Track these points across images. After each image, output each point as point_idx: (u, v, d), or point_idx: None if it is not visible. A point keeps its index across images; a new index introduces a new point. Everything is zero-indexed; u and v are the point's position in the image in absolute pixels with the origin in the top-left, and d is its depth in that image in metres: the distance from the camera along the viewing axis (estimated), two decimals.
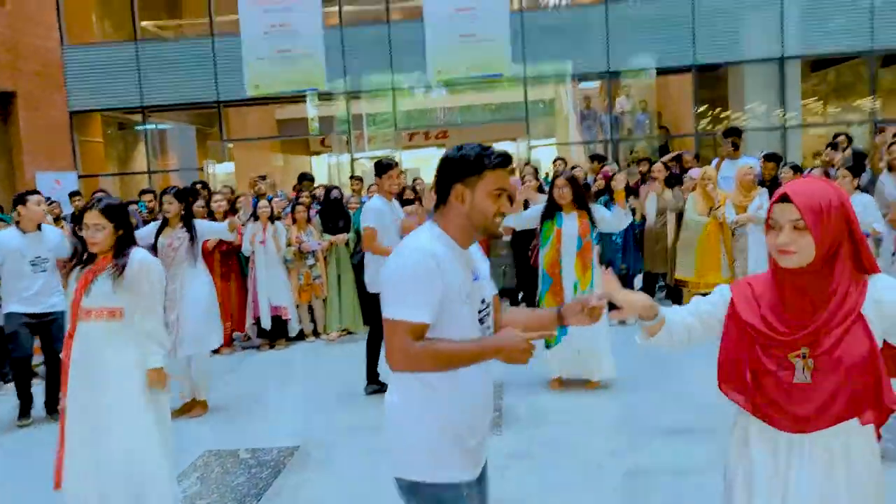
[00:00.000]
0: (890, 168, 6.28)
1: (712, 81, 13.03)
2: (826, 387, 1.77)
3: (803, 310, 1.80)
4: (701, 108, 12.50)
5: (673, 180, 7.75)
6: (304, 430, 4.98)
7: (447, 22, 11.07)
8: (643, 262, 7.67)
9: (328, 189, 8.17)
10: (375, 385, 5.62)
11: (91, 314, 3.19)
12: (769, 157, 7.48)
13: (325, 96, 12.56)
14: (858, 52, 11.72)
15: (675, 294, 7.86)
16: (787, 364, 1.81)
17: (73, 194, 8.79)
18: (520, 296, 8.31)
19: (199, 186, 8.30)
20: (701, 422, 4.49)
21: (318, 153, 17.07)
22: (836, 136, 8.09)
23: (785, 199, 1.77)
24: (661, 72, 13.21)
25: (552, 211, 5.33)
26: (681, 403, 4.87)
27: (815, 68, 14.01)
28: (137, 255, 3.26)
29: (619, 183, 7.38)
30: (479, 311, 2.01)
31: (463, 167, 1.96)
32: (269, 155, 16.19)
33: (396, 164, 5.50)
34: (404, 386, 1.97)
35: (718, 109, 13.57)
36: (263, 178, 8.57)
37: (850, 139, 8.00)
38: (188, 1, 15.13)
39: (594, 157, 9.23)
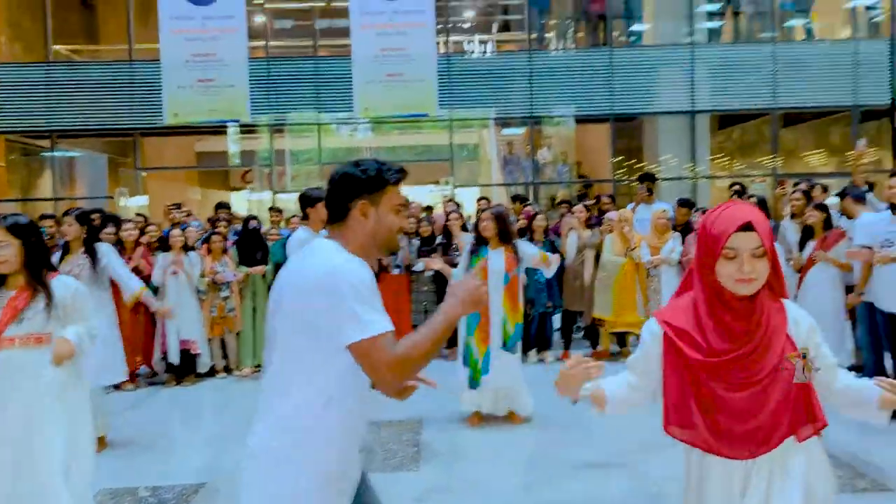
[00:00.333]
0: (792, 216, 6.64)
1: (629, 132, 13.58)
2: (772, 405, 1.81)
3: (743, 332, 1.83)
4: (617, 158, 12.96)
5: (591, 221, 7.95)
6: (213, 466, 4.73)
7: (375, 61, 11.15)
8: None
9: (246, 219, 7.96)
10: None
11: (15, 341, 3.04)
12: (682, 203, 7.79)
13: (248, 129, 12.36)
14: (762, 110, 12.47)
15: (592, 333, 8.00)
16: (738, 385, 1.83)
17: None
18: None
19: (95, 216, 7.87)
20: (614, 457, 4.57)
21: (237, 189, 16.70)
22: (732, 184, 8.55)
23: (748, 227, 1.79)
24: (581, 120, 13.70)
25: (478, 246, 5.36)
26: (595, 439, 4.90)
27: (722, 125, 14.85)
28: (68, 281, 3.25)
29: (540, 222, 7.53)
30: None
31: (365, 183, 1.91)
32: (186, 188, 15.71)
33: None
34: (281, 429, 1.86)
35: (634, 160, 14.12)
36: (178, 206, 8.27)
37: (744, 188, 8.45)
38: (107, 27, 14.72)
39: (516, 198, 9.40)
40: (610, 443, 4.76)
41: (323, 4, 12.43)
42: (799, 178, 8.73)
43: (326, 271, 1.80)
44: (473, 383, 5.25)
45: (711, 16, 12.81)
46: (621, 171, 13.80)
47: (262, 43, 12.13)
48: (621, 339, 7.75)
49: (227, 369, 7.50)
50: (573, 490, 4.13)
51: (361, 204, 1.90)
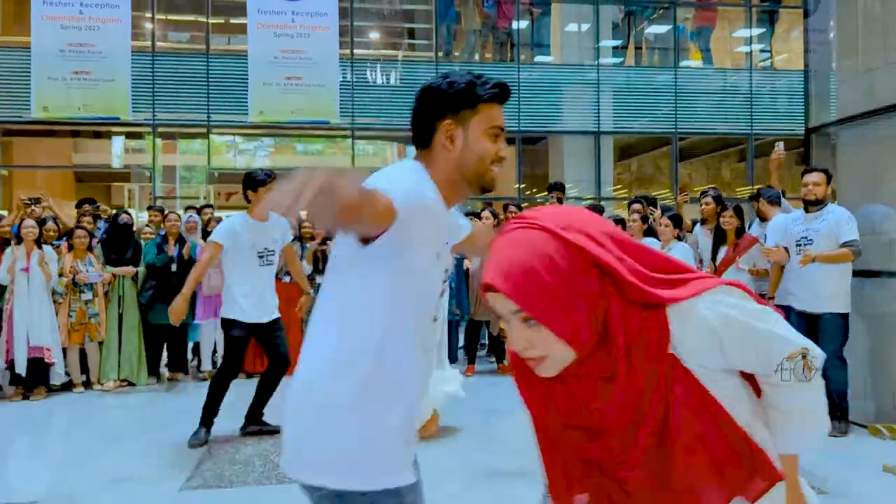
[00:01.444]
0: (703, 221, 6.50)
1: (535, 153, 13.50)
2: (677, 479, 1.23)
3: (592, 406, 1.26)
4: (524, 182, 12.82)
5: (498, 226, 7.58)
6: (52, 483, 3.93)
7: (273, 63, 10.51)
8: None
9: (115, 214, 7.07)
10: (256, 426, 4.87)
11: None
12: (592, 209, 7.54)
13: (132, 136, 11.31)
14: (662, 133, 12.66)
15: (498, 347, 7.56)
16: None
17: None
18: None
19: None
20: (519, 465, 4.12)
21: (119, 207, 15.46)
22: (632, 201, 8.16)
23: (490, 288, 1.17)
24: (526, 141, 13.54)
25: None
26: (503, 447, 4.45)
27: (621, 157, 15.11)
28: None
29: None
30: (443, 282, 1.64)
31: (451, 99, 1.56)
32: (62, 205, 14.34)
33: (274, 176, 4.56)
34: (338, 374, 1.50)
35: (535, 189, 14.07)
36: (37, 200, 7.26)
37: (654, 200, 8.26)
38: None
39: None
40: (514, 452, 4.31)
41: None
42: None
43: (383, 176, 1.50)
44: None
45: (615, 49, 12.99)
46: (528, 192, 13.68)
47: (147, 43, 11.23)
48: None
49: (87, 383, 6.53)
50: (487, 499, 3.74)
51: (447, 125, 1.56)
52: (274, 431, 4.74)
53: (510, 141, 12.39)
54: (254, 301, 4.61)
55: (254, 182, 4.54)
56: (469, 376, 7.04)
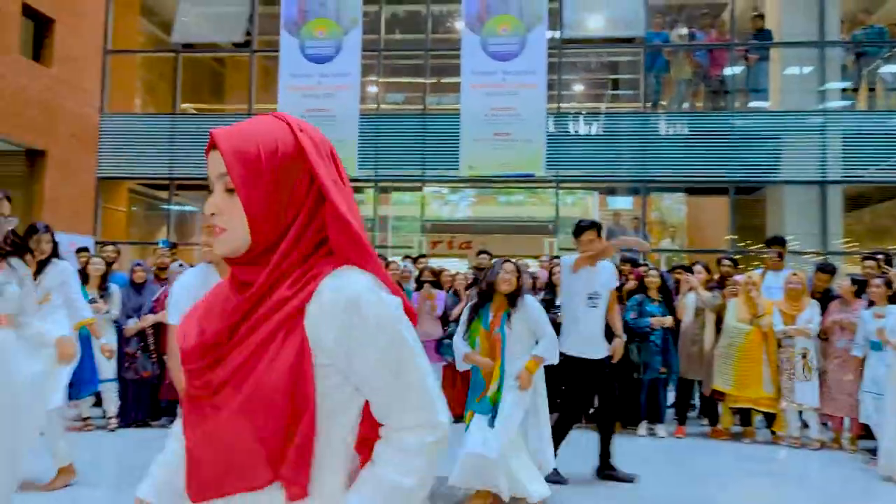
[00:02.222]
0: None
1: (750, 204, 12.76)
2: (223, 433, 1.12)
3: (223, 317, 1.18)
4: (738, 234, 12.15)
5: (712, 285, 7.25)
6: None
7: (483, 120, 11.04)
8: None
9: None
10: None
11: None
12: (823, 269, 7.00)
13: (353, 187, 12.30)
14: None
15: (710, 407, 7.19)
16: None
17: (80, 250, 8.50)
18: None
19: None
20: None
21: None
22: (866, 257, 7.34)
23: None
24: (695, 191, 13.02)
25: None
26: None
27: (851, 207, 13.77)
28: None
29: (653, 278, 6.94)
30: None
31: None
32: None
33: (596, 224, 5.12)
34: None
35: (750, 240, 13.23)
36: None
37: (889, 258, 7.42)
38: (231, 87, 15.53)
39: (625, 261, 8.78)
40: None
41: (434, 62, 12.55)
42: None
43: None
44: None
45: (844, 91, 12.01)
46: (741, 244, 12.94)
47: (374, 106, 12.34)
48: (745, 416, 6.89)
49: None
50: None
51: None
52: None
53: (723, 191, 11.86)
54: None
55: (580, 229, 5.07)
56: (679, 438, 6.75)
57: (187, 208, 14.62)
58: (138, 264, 7.23)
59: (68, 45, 11.53)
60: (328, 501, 1.15)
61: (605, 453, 5.18)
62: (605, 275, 5.09)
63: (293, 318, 1.12)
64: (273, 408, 1.09)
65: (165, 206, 13.02)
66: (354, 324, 1.12)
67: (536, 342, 4.36)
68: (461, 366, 4.49)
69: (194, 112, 13.87)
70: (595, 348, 5.02)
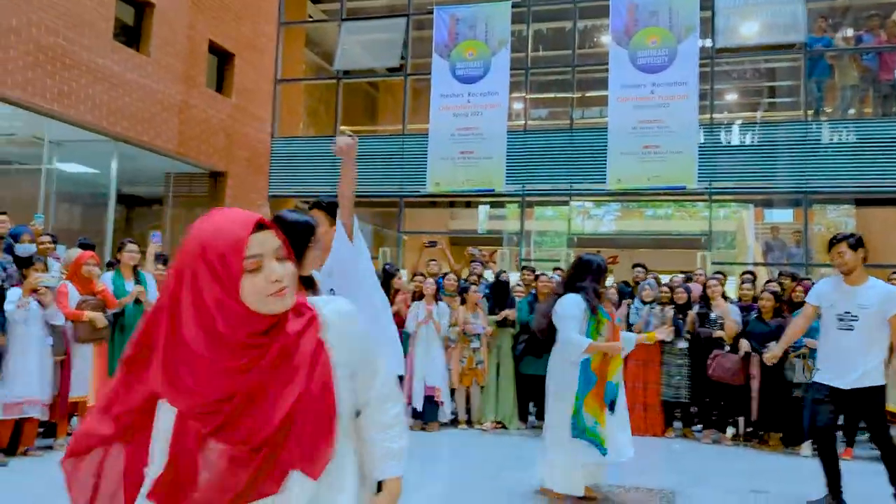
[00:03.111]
0: None
1: None
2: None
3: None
4: None
5: None
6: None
7: (631, 132, 11.01)
8: None
9: (497, 273, 8.06)
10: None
11: None
12: None
13: (497, 205, 12.59)
14: None
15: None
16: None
17: None
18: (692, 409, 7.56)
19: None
20: None
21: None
22: None
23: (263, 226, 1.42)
24: (863, 202, 12.19)
25: None
26: None
27: None
28: None
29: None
30: None
31: None
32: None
33: None
34: None
35: None
36: (434, 243, 8.60)
37: None
38: (384, 109, 16.42)
39: (785, 275, 8.45)
40: None
41: (579, 76, 12.66)
42: None
43: None
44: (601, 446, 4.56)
45: None
46: None
47: (520, 122, 12.63)
48: None
49: (469, 421, 7.48)
50: None
51: None
52: None
53: (893, 202, 11.07)
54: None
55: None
56: (846, 460, 6.42)
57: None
58: None
59: (245, 77, 12.76)
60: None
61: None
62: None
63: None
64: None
65: None
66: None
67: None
68: (578, 357, 4.55)
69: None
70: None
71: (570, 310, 4.53)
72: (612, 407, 4.55)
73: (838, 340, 4.59)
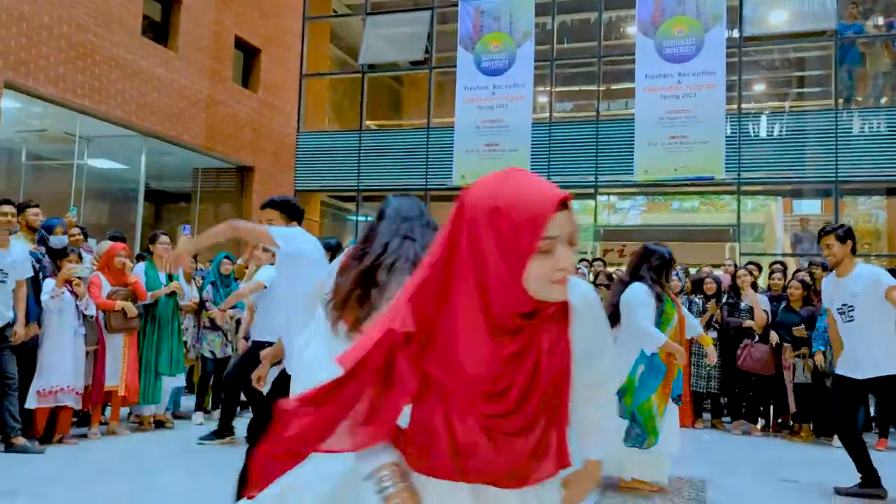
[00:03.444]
0: None
1: None
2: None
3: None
4: None
5: None
6: None
7: (658, 123, 10.92)
8: None
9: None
10: None
11: None
12: None
13: None
14: None
15: None
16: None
17: None
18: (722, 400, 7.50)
19: None
20: None
21: None
22: None
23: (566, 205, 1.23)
24: (894, 192, 11.98)
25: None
26: None
27: None
28: None
29: None
30: None
31: None
32: None
33: None
34: None
35: None
36: None
37: None
38: (408, 102, 16.44)
39: (819, 265, 8.32)
40: None
41: (605, 68, 12.56)
42: None
43: None
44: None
45: None
46: None
47: (545, 115, 12.57)
48: None
49: None
50: None
51: None
52: None
53: None
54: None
55: None
56: (880, 451, 6.33)
57: (370, 218, 15.64)
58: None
59: (271, 72, 12.86)
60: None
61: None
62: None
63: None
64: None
65: (351, 217, 14.04)
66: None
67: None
68: (651, 349, 4.49)
69: (375, 128, 14.86)
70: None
71: (641, 297, 4.40)
72: (677, 400, 4.53)
73: (848, 333, 4.65)
